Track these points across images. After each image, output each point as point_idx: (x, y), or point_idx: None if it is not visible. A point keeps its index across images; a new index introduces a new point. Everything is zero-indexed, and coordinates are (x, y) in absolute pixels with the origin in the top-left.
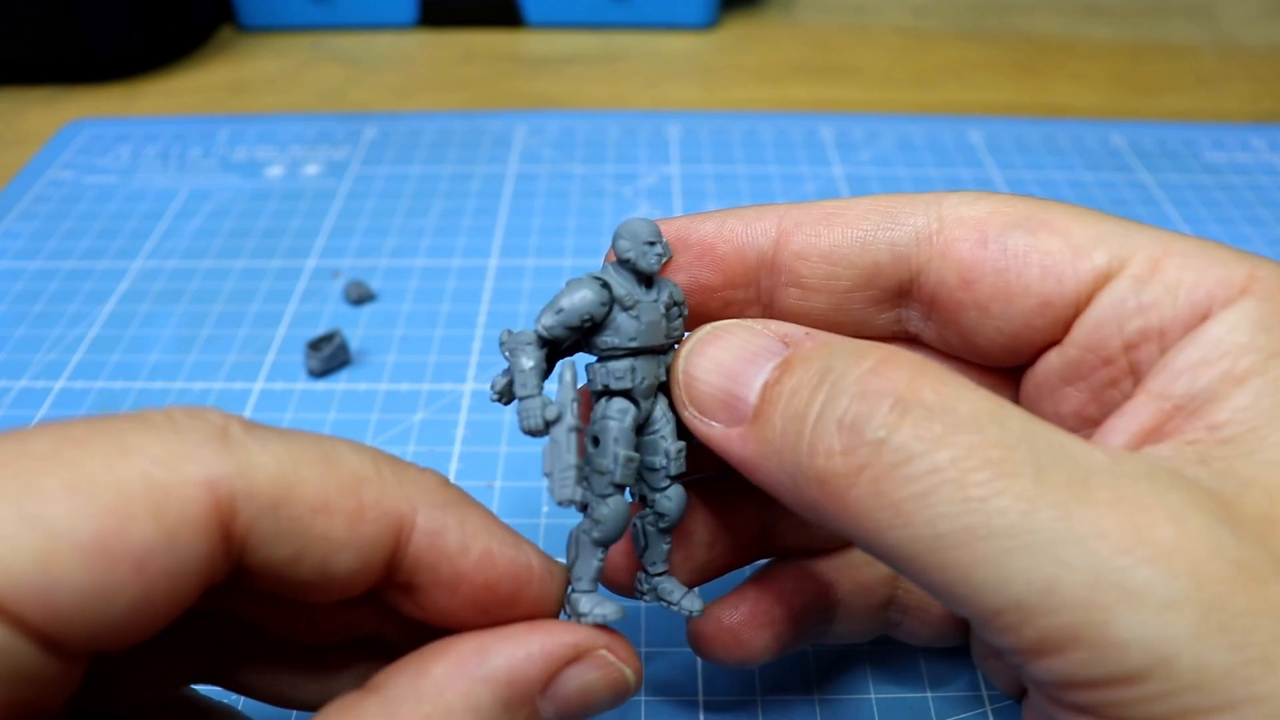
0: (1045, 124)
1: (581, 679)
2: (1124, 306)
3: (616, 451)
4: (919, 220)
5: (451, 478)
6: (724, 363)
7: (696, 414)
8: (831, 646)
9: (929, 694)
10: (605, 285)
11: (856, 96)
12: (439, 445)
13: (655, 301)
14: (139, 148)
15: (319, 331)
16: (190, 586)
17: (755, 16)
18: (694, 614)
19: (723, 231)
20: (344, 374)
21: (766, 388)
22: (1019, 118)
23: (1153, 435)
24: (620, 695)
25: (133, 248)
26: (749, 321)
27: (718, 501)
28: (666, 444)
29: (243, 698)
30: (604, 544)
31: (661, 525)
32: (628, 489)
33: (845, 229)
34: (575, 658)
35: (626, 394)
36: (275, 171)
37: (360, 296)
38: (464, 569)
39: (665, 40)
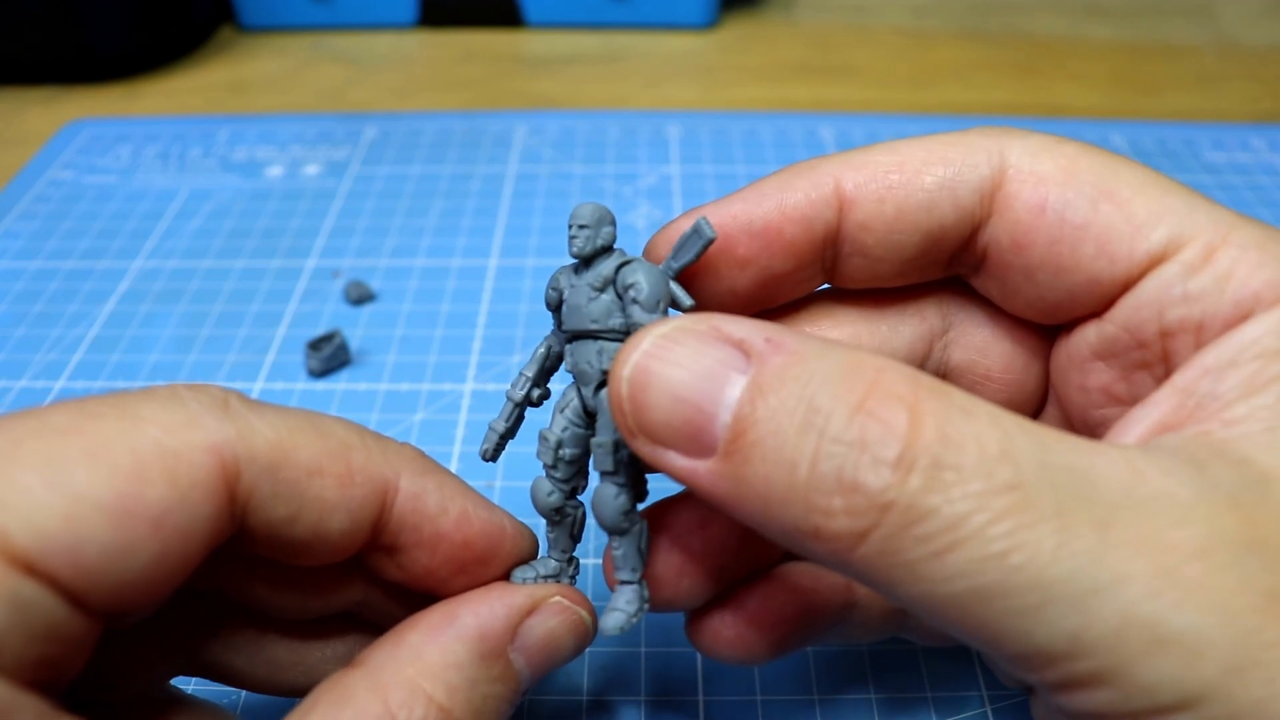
0: (1045, 124)
1: (544, 625)
2: (1169, 293)
3: (541, 430)
4: (983, 171)
5: None
6: (676, 383)
7: (647, 442)
8: (832, 646)
9: (929, 694)
10: (561, 272)
11: (856, 96)
12: (439, 445)
13: (585, 285)
14: (139, 148)
15: (319, 331)
16: (200, 545)
17: (755, 16)
18: (603, 631)
19: (786, 211)
20: (344, 374)
21: (738, 420)
22: (1019, 118)
23: (1171, 428)
24: (580, 637)
25: (133, 248)
26: (691, 322)
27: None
28: (596, 437)
29: (241, 697)
30: (539, 513)
31: (598, 523)
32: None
33: (909, 191)
34: (533, 608)
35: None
36: (275, 171)
37: (360, 296)
38: (443, 528)
39: (665, 40)
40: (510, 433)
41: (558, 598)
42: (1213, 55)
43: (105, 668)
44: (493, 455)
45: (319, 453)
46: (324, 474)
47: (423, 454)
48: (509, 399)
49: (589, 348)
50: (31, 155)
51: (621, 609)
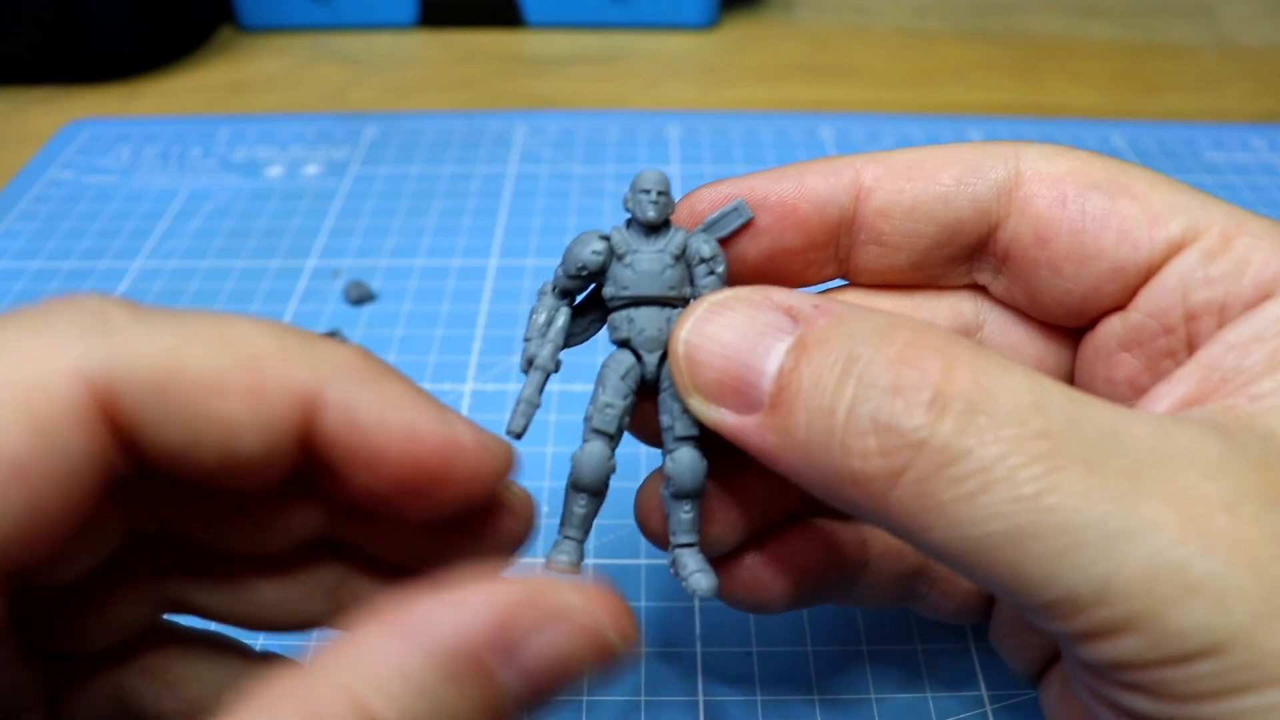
0: (1045, 124)
1: (554, 644)
2: (1191, 277)
3: (598, 397)
4: (999, 172)
5: None
6: (729, 343)
7: (702, 400)
8: (831, 647)
9: (929, 694)
10: (605, 237)
11: (856, 96)
12: None
13: (659, 252)
14: (139, 148)
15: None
16: (83, 485)
17: (755, 16)
18: (699, 593)
19: (803, 190)
20: None
21: (783, 374)
22: (1019, 118)
23: (1197, 403)
24: (604, 661)
25: (133, 248)
26: (747, 291)
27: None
28: (674, 402)
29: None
30: (576, 486)
31: (671, 490)
32: (616, 439)
33: (928, 183)
34: (533, 615)
35: (627, 344)
36: (275, 171)
37: (360, 296)
38: (383, 446)
39: (665, 40)
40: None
41: (583, 608)
42: (1213, 55)
43: (63, 622)
44: (524, 430)
45: (220, 365)
46: (225, 391)
47: (368, 356)
48: (540, 369)
49: (657, 315)
50: (31, 155)
51: (705, 569)
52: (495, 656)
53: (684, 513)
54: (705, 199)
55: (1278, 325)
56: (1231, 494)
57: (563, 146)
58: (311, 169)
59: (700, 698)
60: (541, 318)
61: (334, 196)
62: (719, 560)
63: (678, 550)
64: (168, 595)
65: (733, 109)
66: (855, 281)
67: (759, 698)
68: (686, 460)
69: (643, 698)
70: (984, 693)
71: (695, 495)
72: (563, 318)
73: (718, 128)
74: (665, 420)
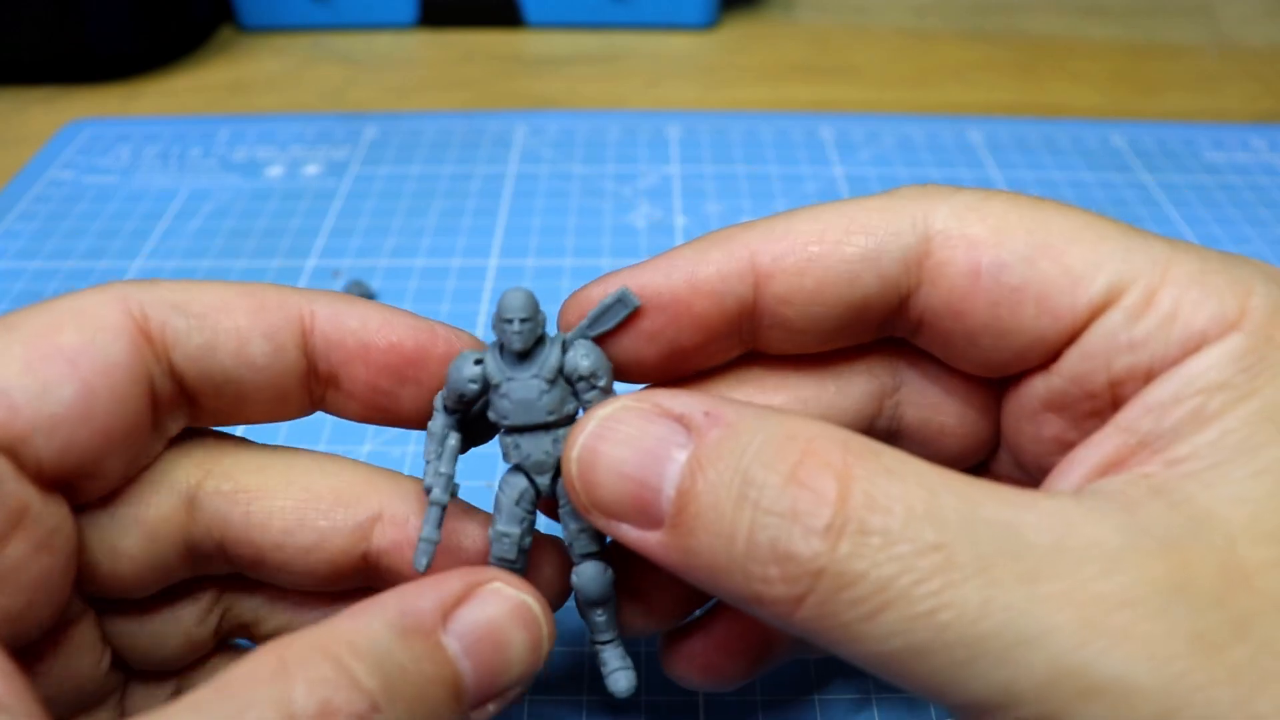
0: (1045, 124)
1: (482, 612)
2: (1114, 342)
3: (495, 524)
4: (907, 239)
5: None
6: (622, 460)
7: (602, 518)
8: None
9: None
10: (479, 362)
11: (856, 96)
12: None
13: (534, 378)
14: (139, 148)
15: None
16: (125, 383)
17: (755, 16)
18: (618, 694)
19: (696, 285)
20: None
21: (680, 494)
22: (1019, 118)
23: (1113, 469)
24: (529, 628)
25: (133, 248)
26: (633, 400)
27: None
28: (572, 521)
29: None
30: (592, 601)
31: (581, 600)
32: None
33: (829, 264)
34: (467, 591)
35: (520, 468)
36: (275, 171)
37: (360, 296)
38: (367, 337)
39: (665, 40)
40: (440, 539)
41: (498, 584)
42: (1213, 55)
43: (138, 644)
44: (428, 565)
45: (226, 293)
46: (232, 309)
47: (341, 294)
48: (436, 504)
49: (543, 439)
50: (31, 155)
51: (626, 666)
52: (434, 618)
53: (597, 617)
54: (595, 297)
55: (1198, 383)
56: (1130, 588)
57: (563, 146)
58: (311, 169)
59: (700, 698)
60: (435, 439)
61: (334, 196)
62: (670, 641)
63: (598, 648)
64: (225, 623)
65: (733, 109)
66: (765, 353)
67: (759, 698)
68: (589, 575)
69: (643, 697)
70: None
71: (607, 601)
72: (453, 440)
73: (718, 128)
74: (566, 538)
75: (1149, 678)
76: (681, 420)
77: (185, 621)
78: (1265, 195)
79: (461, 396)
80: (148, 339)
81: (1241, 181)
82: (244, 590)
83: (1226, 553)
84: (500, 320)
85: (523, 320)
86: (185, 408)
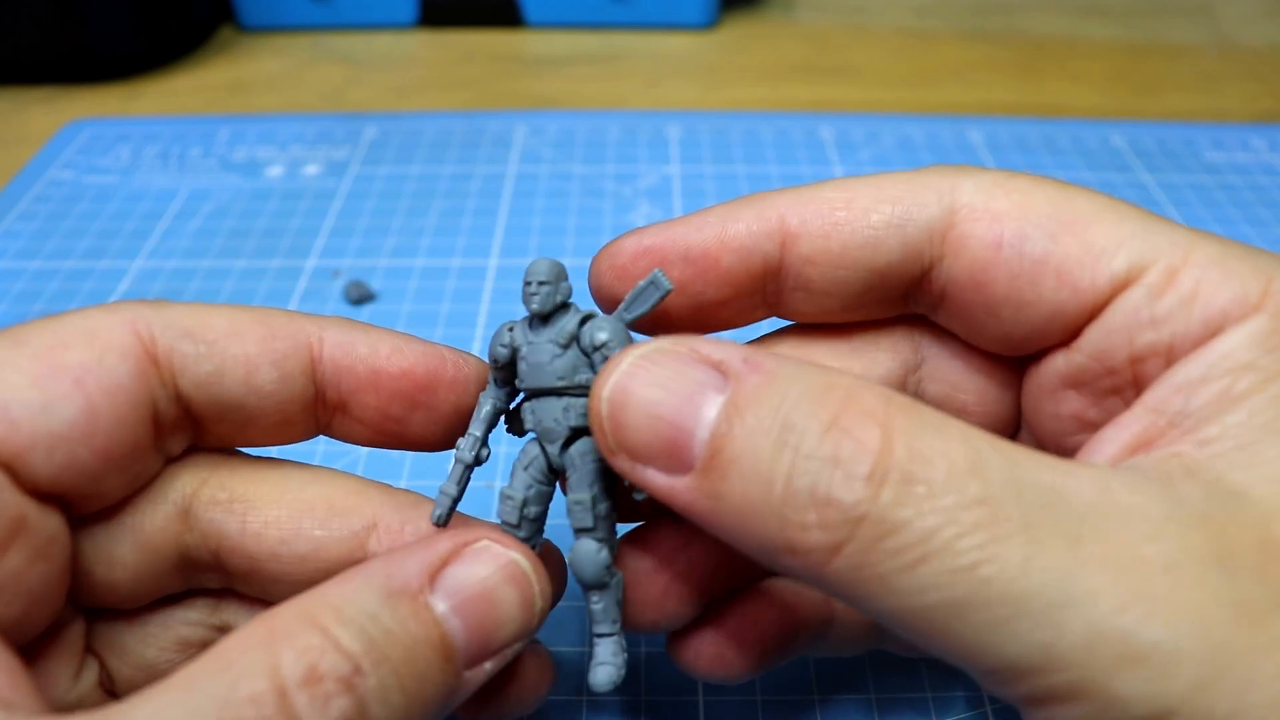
0: (1045, 124)
1: (471, 572)
2: (1136, 318)
3: (502, 490)
4: (932, 210)
5: None
6: (656, 402)
7: (629, 460)
8: None
9: (929, 694)
10: (511, 328)
11: (856, 96)
12: None
13: (548, 342)
14: (139, 148)
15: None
16: (130, 405)
17: (755, 16)
18: (595, 688)
19: (725, 241)
20: None
21: (716, 437)
22: (1019, 118)
23: (1143, 448)
24: (520, 587)
25: (133, 248)
26: (671, 344)
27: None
28: (572, 494)
29: None
30: (586, 582)
31: (578, 581)
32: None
33: (855, 228)
34: (455, 550)
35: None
36: (275, 171)
37: (360, 296)
38: (378, 364)
39: (665, 40)
40: (461, 495)
41: (485, 542)
42: (1213, 55)
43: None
44: (446, 520)
45: (237, 319)
46: (242, 335)
47: (352, 320)
48: (459, 461)
49: (554, 405)
50: (31, 155)
51: (609, 662)
52: (420, 580)
53: (594, 604)
54: (627, 251)
55: (1226, 363)
56: (1172, 555)
57: (563, 146)
58: (311, 169)
59: (700, 698)
60: (478, 406)
61: (334, 196)
62: (679, 636)
63: (594, 638)
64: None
65: (733, 109)
66: (788, 319)
67: (759, 698)
68: (581, 553)
69: (643, 697)
70: (984, 692)
71: (600, 587)
72: (488, 406)
73: (718, 128)
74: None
75: (1191, 644)
76: (719, 367)
77: (179, 632)
78: (1265, 195)
79: (495, 361)
80: (155, 363)
81: (1241, 181)
82: (237, 602)
83: (1264, 529)
84: (524, 282)
85: (541, 283)
86: (189, 430)
